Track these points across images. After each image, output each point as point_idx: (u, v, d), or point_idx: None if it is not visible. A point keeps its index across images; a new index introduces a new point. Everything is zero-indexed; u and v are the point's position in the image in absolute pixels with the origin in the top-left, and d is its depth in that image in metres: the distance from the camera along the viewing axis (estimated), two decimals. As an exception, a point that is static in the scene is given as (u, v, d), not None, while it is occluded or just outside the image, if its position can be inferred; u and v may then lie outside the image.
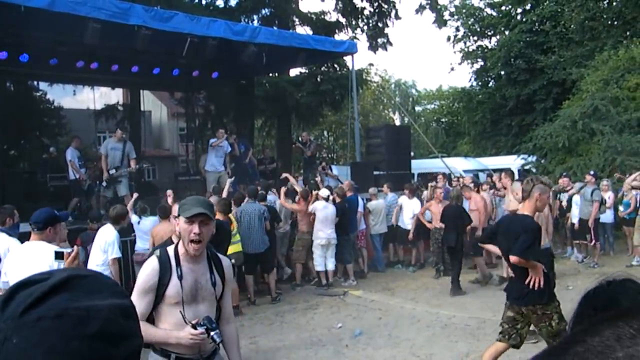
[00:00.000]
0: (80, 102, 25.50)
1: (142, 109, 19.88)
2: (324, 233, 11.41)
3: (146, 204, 10.26)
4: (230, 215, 10.05)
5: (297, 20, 22.55)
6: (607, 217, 13.07)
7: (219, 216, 9.57)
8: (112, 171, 11.95)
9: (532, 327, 6.10)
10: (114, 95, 22.86)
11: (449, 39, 33.57)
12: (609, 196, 13.02)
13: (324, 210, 11.46)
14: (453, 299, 10.35)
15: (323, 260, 11.62)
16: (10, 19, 10.36)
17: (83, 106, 23.63)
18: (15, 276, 4.60)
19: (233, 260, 9.77)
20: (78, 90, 22.73)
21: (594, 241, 12.59)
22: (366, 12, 24.54)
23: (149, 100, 25.20)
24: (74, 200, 12.57)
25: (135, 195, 10.79)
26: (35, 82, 20.56)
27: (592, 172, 13.35)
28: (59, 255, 4.35)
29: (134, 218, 9.84)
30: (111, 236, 7.83)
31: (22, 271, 4.51)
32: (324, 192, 11.87)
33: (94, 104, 20.34)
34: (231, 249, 9.90)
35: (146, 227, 9.70)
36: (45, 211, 5.02)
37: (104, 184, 11.97)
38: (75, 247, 4.66)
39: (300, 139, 18.10)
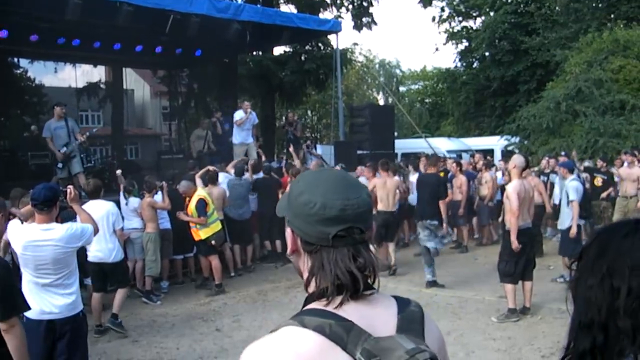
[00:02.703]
0: (61, 79, 25.30)
1: (124, 87, 19.69)
2: None
3: (130, 184, 10.11)
4: (206, 195, 9.95)
5: (281, -2, 22.42)
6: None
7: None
8: (63, 149, 11.35)
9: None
10: (96, 73, 22.62)
11: (433, 19, 33.61)
12: (585, 176, 13.04)
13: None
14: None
15: None
16: (-12, -6, 10.19)
17: (65, 84, 23.44)
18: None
19: (213, 242, 9.81)
20: (59, 68, 22.50)
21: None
22: (351, -9, 24.41)
23: (131, 79, 24.96)
24: (55, 177, 12.44)
25: (118, 172, 10.51)
26: (16, 59, 20.21)
27: (563, 153, 13.44)
28: None
29: (121, 198, 9.76)
30: (114, 207, 8.12)
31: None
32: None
33: (76, 82, 20.17)
34: (210, 230, 9.89)
35: (133, 207, 9.62)
36: (49, 187, 4.73)
37: (60, 165, 11.33)
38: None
39: (286, 118, 17.99)
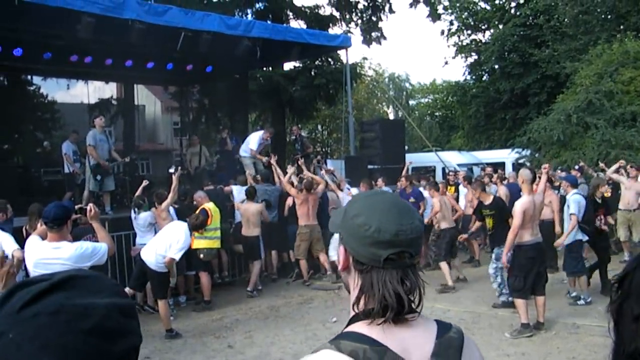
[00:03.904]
0: (74, 96, 25.46)
1: (136, 103, 19.82)
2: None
3: (140, 198, 10.18)
4: (210, 208, 10.08)
5: (291, 14, 22.52)
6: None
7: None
8: (107, 163, 11.48)
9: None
10: (108, 90, 22.78)
11: (442, 32, 33.62)
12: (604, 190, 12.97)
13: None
14: (448, 293, 10.38)
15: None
16: (4, 13, 10.31)
17: (77, 100, 23.56)
18: None
19: (202, 255, 9.92)
20: (72, 85, 22.63)
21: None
22: (360, 6, 24.55)
23: (142, 95, 25.17)
24: (68, 194, 12.50)
25: (145, 182, 10.47)
26: (29, 76, 20.44)
27: (577, 167, 13.39)
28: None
29: (132, 214, 9.86)
30: (183, 230, 8.33)
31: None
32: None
33: (88, 98, 20.29)
34: (205, 243, 9.96)
35: (142, 222, 9.69)
36: (60, 206, 4.84)
37: (98, 177, 11.30)
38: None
39: (292, 133, 17.97)
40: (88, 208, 5.12)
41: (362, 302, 1.45)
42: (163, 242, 8.08)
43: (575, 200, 9.22)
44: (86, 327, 0.92)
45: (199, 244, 9.90)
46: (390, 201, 1.50)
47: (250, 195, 11.14)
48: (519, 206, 7.72)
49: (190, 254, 9.89)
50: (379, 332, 1.39)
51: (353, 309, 1.46)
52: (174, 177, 9.99)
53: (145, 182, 10.40)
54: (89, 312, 0.93)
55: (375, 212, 1.45)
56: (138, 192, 10.03)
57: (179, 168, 10.86)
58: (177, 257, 8.21)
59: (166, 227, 8.46)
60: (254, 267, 11.11)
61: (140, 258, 8.25)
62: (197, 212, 9.81)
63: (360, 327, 1.41)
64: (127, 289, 8.11)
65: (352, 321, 1.46)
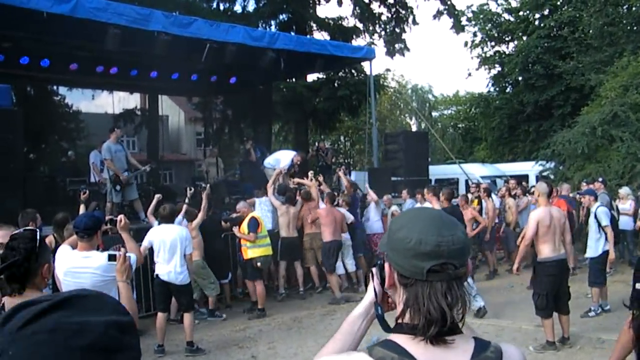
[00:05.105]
0: (98, 106, 25.74)
1: (160, 113, 19.99)
2: (330, 236, 11.31)
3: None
4: (259, 216, 10.31)
5: (314, 25, 22.57)
6: (627, 223, 12.81)
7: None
8: (125, 173, 11.51)
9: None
10: (132, 100, 23.03)
11: (466, 44, 33.58)
12: (630, 204, 12.86)
13: (329, 214, 11.52)
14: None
15: (340, 264, 11.67)
16: (32, 25, 10.48)
17: (101, 110, 23.82)
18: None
19: (259, 263, 10.04)
20: (97, 95, 22.90)
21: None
22: (383, 17, 24.55)
23: (166, 105, 25.37)
24: (93, 203, 12.59)
25: (157, 196, 10.32)
26: (55, 87, 20.72)
27: (600, 179, 13.28)
28: (112, 258, 4.34)
29: (154, 223, 9.89)
30: (185, 231, 8.40)
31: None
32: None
33: (113, 109, 20.53)
34: (259, 251, 10.08)
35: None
36: (90, 216, 4.92)
37: (117, 187, 11.40)
38: (121, 249, 4.67)
39: (318, 148, 17.95)
40: (118, 219, 5.17)
41: (407, 316, 1.45)
42: (175, 255, 8.06)
43: (604, 212, 9.17)
44: (83, 343, 0.94)
45: (254, 252, 10.11)
46: (433, 214, 1.52)
47: (289, 200, 11.50)
48: (532, 216, 7.65)
49: (244, 264, 10.29)
50: (415, 346, 1.40)
51: (396, 322, 1.48)
52: (204, 195, 10.16)
53: (158, 197, 10.27)
54: (86, 329, 0.96)
55: (416, 225, 1.46)
56: (151, 207, 10.02)
57: (209, 186, 11.00)
58: (191, 250, 8.43)
59: (162, 240, 8.23)
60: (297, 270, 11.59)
61: (159, 279, 8.23)
62: (246, 221, 10.11)
63: (398, 338, 1.43)
64: (159, 314, 8.28)
65: (395, 328, 1.47)
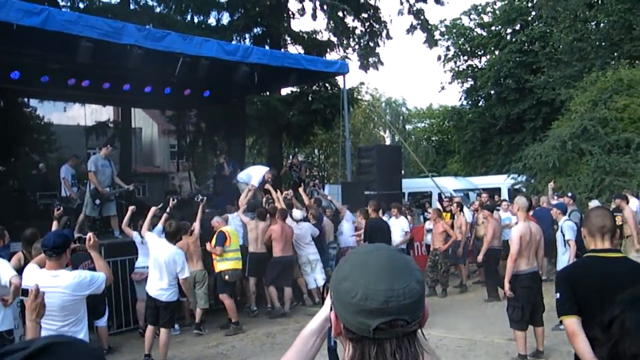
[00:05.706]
0: (70, 118, 25.46)
1: (133, 125, 19.82)
2: (280, 252, 11.21)
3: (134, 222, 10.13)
4: (227, 230, 10.24)
5: (288, 39, 22.62)
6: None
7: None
8: (107, 189, 11.46)
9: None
10: (105, 112, 22.75)
11: (439, 58, 33.96)
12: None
13: (297, 230, 11.56)
14: (443, 319, 10.32)
15: (310, 278, 11.68)
16: (1, 36, 10.33)
17: (73, 122, 23.56)
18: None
19: (227, 277, 9.95)
20: (69, 107, 22.69)
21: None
22: (357, 31, 24.65)
23: (139, 117, 25.18)
24: (64, 218, 12.42)
25: (131, 208, 10.19)
26: (26, 99, 20.42)
27: (570, 194, 13.41)
28: (24, 293, 4.03)
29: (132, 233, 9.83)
30: (180, 256, 8.28)
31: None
32: (297, 212, 12.05)
33: (85, 121, 20.25)
34: (227, 264, 10.02)
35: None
36: (59, 234, 4.88)
37: (97, 202, 11.32)
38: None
39: (292, 163, 17.86)
40: (87, 237, 5.11)
41: None
42: (166, 271, 8.04)
43: (569, 227, 9.28)
44: None
45: (223, 265, 10.09)
46: (381, 262, 1.34)
47: (260, 215, 11.36)
48: (515, 232, 7.70)
49: (215, 279, 10.22)
50: None
51: None
52: (200, 207, 10.32)
53: (132, 208, 10.16)
54: None
55: (363, 275, 1.31)
56: (125, 220, 9.91)
57: (205, 198, 10.96)
58: (188, 273, 8.36)
59: (157, 257, 8.23)
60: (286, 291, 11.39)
61: (148, 296, 8.21)
62: (215, 235, 10.12)
63: None
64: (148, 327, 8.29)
65: None
